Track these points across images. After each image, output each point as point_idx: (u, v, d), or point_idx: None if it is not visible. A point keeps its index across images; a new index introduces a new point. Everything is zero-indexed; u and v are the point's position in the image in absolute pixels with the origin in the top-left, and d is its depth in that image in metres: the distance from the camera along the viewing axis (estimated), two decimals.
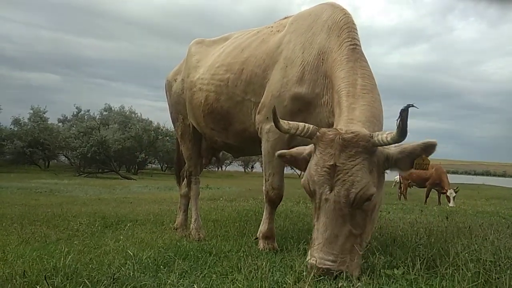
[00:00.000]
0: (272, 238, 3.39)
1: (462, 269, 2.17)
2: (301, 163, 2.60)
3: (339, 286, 2.14)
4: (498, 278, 2.08)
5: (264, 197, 3.43)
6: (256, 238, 3.48)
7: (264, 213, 3.46)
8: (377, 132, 2.32)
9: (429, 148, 2.31)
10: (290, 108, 3.12)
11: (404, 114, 2.11)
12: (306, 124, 2.47)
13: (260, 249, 3.29)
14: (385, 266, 2.45)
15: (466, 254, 2.41)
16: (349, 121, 2.53)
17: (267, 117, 3.24)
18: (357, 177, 2.26)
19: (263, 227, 3.41)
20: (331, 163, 2.29)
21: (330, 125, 2.91)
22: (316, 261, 2.22)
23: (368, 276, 2.32)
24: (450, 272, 2.17)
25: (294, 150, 2.68)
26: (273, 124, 3.25)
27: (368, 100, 2.67)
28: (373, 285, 2.17)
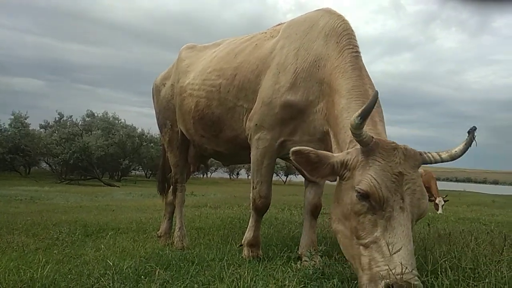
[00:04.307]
0: (257, 246, 3.37)
1: (441, 277, 2.20)
2: (324, 168, 2.33)
3: None
4: (476, 286, 2.12)
5: (251, 204, 3.39)
6: (241, 245, 3.45)
7: (250, 221, 3.43)
8: (424, 151, 2.31)
9: None
10: (282, 116, 3.06)
11: (473, 134, 2.22)
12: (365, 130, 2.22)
13: (244, 256, 3.27)
14: None
15: (446, 262, 2.44)
16: (377, 135, 2.38)
17: (256, 124, 3.19)
18: (423, 188, 2.19)
19: (248, 235, 3.37)
20: (399, 171, 2.12)
21: (325, 133, 2.87)
22: (408, 281, 1.86)
23: (350, 283, 2.34)
24: (430, 279, 2.20)
25: (321, 151, 2.38)
26: (263, 132, 3.16)
27: (381, 116, 2.63)
28: None
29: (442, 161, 2.28)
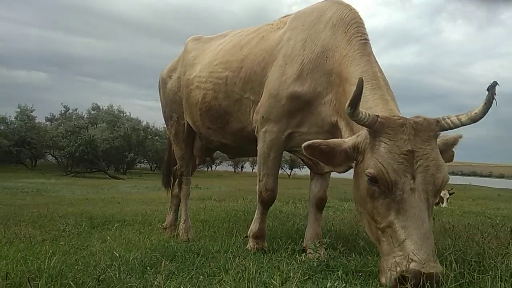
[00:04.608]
0: (262, 238, 3.38)
1: (446, 269, 2.20)
2: (339, 156, 2.31)
3: (328, 286, 2.14)
4: (481, 278, 2.11)
5: (257, 197, 3.39)
6: (246, 236, 3.46)
7: (255, 213, 3.44)
8: (442, 116, 2.22)
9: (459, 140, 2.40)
10: (288, 108, 3.04)
11: (493, 91, 2.05)
12: (367, 111, 2.17)
13: (249, 248, 3.28)
14: (369, 266, 2.47)
15: (451, 255, 2.43)
16: (390, 112, 2.34)
17: (263, 116, 3.18)
18: (439, 161, 2.11)
19: (254, 226, 3.38)
20: (408, 149, 2.06)
21: (333, 125, 2.85)
22: (422, 266, 1.87)
23: (354, 275, 2.34)
24: None
25: (331, 140, 2.38)
26: (270, 124, 3.13)
27: (392, 95, 2.60)
28: (360, 285, 2.19)
29: (463, 124, 2.17)
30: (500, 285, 2.01)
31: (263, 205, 3.37)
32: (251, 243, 3.33)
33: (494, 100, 2.08)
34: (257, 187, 3.35)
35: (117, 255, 2.83)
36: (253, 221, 3.43)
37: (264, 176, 3.28)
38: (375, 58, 2.82)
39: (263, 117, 3.19)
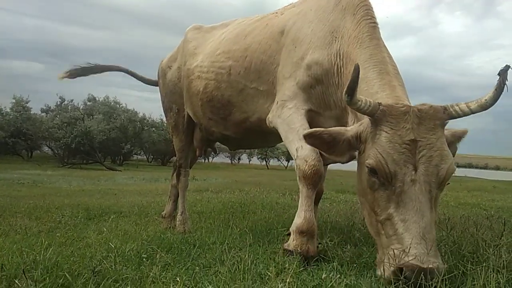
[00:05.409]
0: (310, 233, 2.59)
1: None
2: (341, 145, 2.23)
3: (323, 277, 2.16)
4: (474, 270, 2.13)
5: (298, 178, 2.72)
6: (289, 234, 2.79)
7: (299, 200, 2.73)
8: (450, 104, 2.12)
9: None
10: (302, 84, 2.90)
11: (504, 76, 1.94)
12: (368, 99, 2.10)
13: (293, 249, 2.55)
14: (364, 257, 2.49)
15: (445, 246, 2.45)
16: (396, 98, 2.26)
17: (277, 102, 3.07)
18: (444, 151, 2.03)
19: (298, 219, 2.65)
20: (411, 138, 1.99)
21: (343, 109, 2.75)
22: (420, 260, 1.84)
23: (349, 266, 2.36)
24: None
25: (333, 129, 2.29)
26: (285, 105, 2.94)
27: (401, 81, 2.51)
28: (355, 276, 2.20)
29: (472, 112, 2.08)
30: (493, 276, 2.02)
31: (307, 183, 2.65)
32: (295, 242, 2.57)
33: (505, 86, 1.97)
34: (295, 166, 2.79)
35: (113, 246, 2.83)
36: (297, 213, 2.71)
37: (298, 149, 2.73)
38: (383, 42, 2.76)
39: (277, 102, 3.07)
